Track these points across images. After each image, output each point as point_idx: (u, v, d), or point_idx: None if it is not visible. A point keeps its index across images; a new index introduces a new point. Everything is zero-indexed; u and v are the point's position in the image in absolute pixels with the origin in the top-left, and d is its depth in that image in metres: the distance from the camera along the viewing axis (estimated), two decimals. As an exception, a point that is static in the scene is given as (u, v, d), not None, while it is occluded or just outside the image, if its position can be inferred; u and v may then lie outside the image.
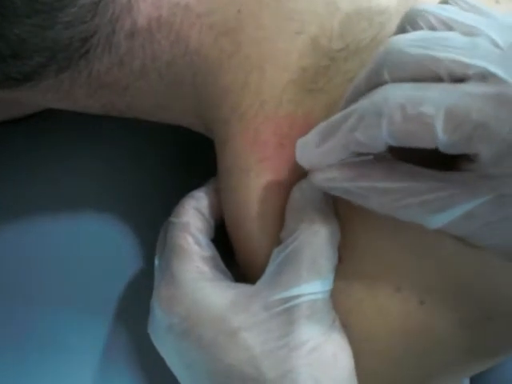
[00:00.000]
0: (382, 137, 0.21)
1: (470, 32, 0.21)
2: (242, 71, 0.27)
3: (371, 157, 0.23)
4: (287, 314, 0.24)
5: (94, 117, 0.32)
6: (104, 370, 0.31)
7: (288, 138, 0.26)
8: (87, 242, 0.33)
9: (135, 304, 0.32)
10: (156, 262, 0.28)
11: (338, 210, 0.26)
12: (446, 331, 0.25)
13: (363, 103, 0.21)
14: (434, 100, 0.20)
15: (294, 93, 0.26)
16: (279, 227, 0.26)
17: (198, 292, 0.25)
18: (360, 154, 0.22)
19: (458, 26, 0.22)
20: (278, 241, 0.26)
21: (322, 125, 0.23)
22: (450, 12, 0.22)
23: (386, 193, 0.22)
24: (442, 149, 0.20)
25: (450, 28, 0.22)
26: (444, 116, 0.20)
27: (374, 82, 0.22)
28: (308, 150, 0.23)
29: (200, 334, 0.25)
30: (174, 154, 0.35)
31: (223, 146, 0.28)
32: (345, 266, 0.25)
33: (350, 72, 0.26)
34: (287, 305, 0.24)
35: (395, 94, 0.20)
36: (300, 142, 0.24)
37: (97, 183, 0.34)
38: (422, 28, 0.22)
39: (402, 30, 0.23)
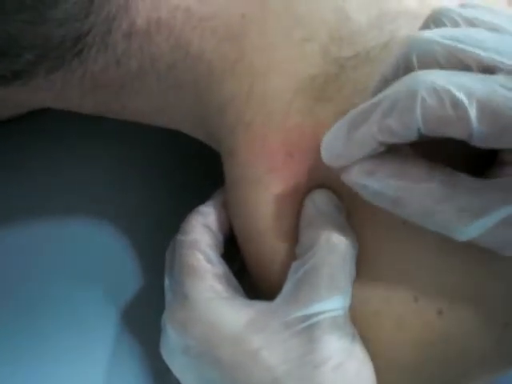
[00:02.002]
0: (415, 123, 0.20)
1: (494, 29, 0.21)
2: (247, 79, 0.26)
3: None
4: (308, 332, 0.23)
5: (94, 121, 0.31)
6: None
7: (297, 148, 0.26)
8: (79, 251, 0.32)
9: (136, 319, 0.31)
10: (166, 281, 0.27)
11: (350, 219, 0.25)
12: (465, 339, 0.25)
13: (395, 88, 0.21)
14: (469, 88, 0.20)
15: (303, 102, 0.26)
16: (291, 241, 0.26)
17: (213, 312, 0.25)
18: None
19: (483, 24, 0.21)
20: (290, 254, 0.25)
21: (350, 114, 0.22)
22: (473, 11, 0.22)
23: (425, 196, 0.21)
24: (474, 140, 0.20)
25: (474, 26, 0.22)
26: (479, 105, 0.19)
27: (401, 70, 0.21)
28: (334, 144, 0.22)
29: (219, 355, 0.24)
30: (176, 164, 0.34)
31: (229, 157, 0.27)
32: (359, 279, 0.25)
33: (360, 81, 0.25)
34: (308, 322, 0.23)
35: (429, 78, 0.20)
36: (326, 136, 0.23)
37: (95, 191, 0.33)
38: (446, 26, 0.22)
39: (426, 28, 0.22)
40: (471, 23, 0.22)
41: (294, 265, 0.25)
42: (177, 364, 0.26)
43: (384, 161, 0.22)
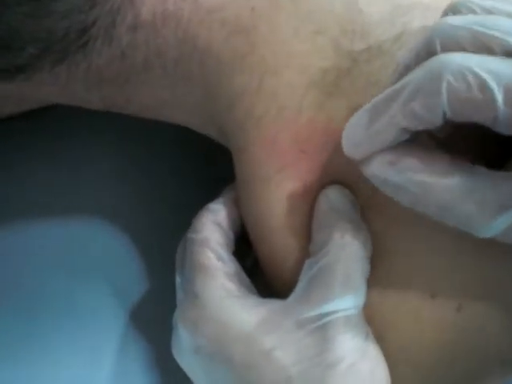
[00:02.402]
0: (440, 106, 0.20)
1: None
2: (257, 73, 0.26)
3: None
4: (322, 331, 0.23)
5: (95, 119, 0.31)
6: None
7: (309, 144, 0.25)
8: (83, 250, 0.32)
9: (143, 319, 0.31)
10: (177, 279, 0.27)
11: (365, 215, 0.25)
12: (483, 337, 0.24)
13: (419, 72, 0.20)
14: (496, 70, 0.19)
15: (315, 97, 0.25)
16: (305, 238, 0.25)
17: (225, 311, 0.24)
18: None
19: (502, 14, 0.21)
20: (304, 253, 0.25)
21: (372, 102, 0.22)
22: (492, 2, 0.21)
23: (446, 189, 0.21)
24: (499, 125, 0.20)
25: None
26: (506, 88, 0.19)
27: (424, 56, 0.21)
28: (356, 133, 0.22)
29: (231, 355, 0.24)
30: (181, 161, 0.34)
31: (240, 154, 0.27)
32: (376, 275, 0.24)
33: (372, 75, 0.25)
34: (321, 321, 0.23)
35: (455, 60, 0.20)
36: (347, 126, 0.22)
37: (98, 190, 0.33)
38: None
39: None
40: (490, 13, 0.21)
41: (308, 262, 0.24)
42: (188, 363, 0.26)
43: (406, 151, 0.21)
